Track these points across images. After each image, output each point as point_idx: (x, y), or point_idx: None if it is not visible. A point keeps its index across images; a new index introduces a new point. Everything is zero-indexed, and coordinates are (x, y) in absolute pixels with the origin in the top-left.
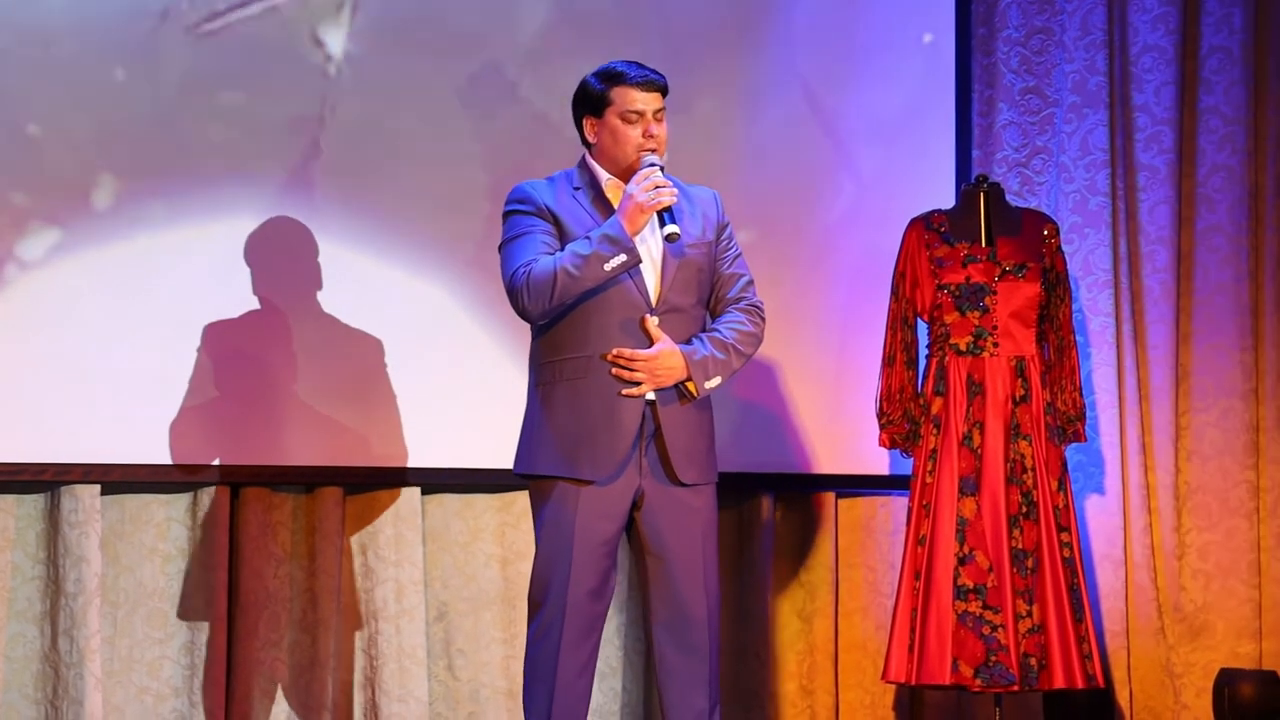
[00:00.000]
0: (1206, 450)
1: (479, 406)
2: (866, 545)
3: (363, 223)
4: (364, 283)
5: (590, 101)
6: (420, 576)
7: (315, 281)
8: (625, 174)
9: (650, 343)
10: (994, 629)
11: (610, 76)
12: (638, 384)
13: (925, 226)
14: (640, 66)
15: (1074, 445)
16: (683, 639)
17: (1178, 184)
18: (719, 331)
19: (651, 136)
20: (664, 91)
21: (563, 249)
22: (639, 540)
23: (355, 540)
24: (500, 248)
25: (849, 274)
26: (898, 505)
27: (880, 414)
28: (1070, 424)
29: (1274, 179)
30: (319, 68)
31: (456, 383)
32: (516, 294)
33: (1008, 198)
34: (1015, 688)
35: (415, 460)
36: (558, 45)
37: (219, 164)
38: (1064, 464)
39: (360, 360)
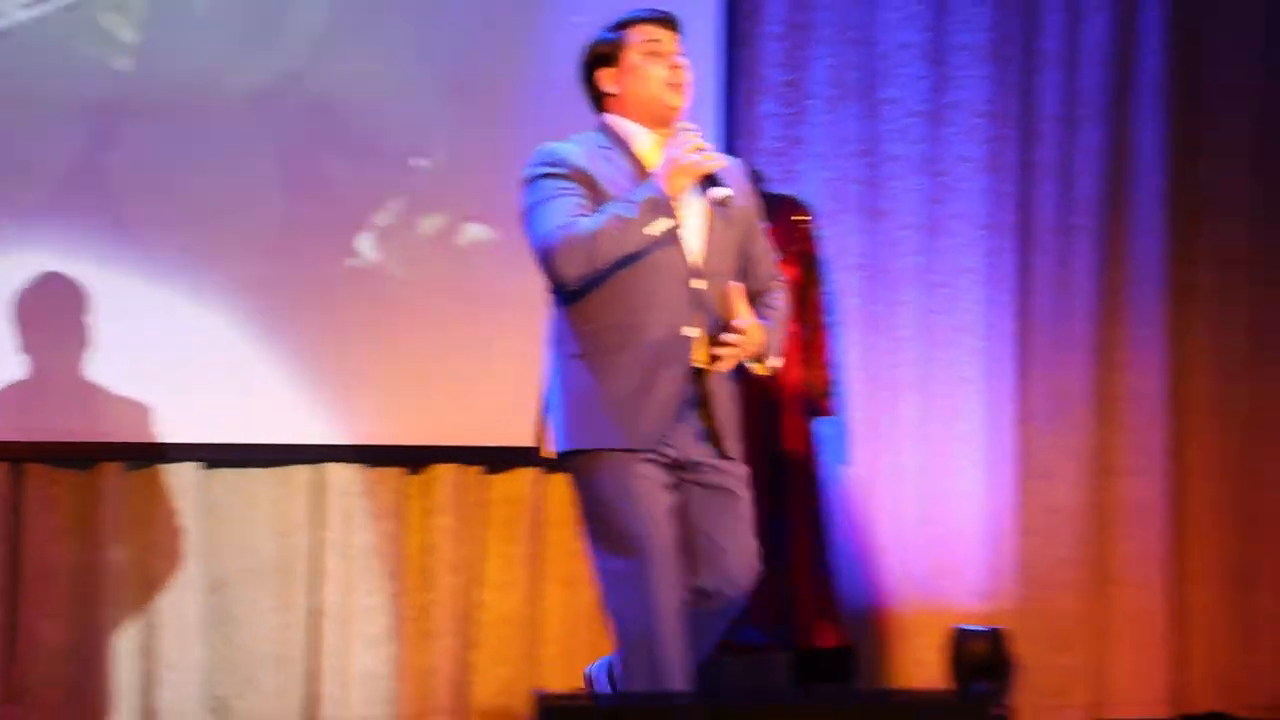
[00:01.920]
0: (947, 423)
1: (257, 381)
2: None
3: (143, 204)
4: (141, 260)
5: (603, 54)
6: (198, 548)
7: (96, 258)
8: (656, 120)
9: (693, 307)
10: None
11: (621, 23)
12: (722, 356)
13: None
14: (650, 8)
15: (824, 419)
16: (723, 610)
17: (925, 173)
18: (773, 309)
19: (678, 68)
20: (678, 29)
21: (598, 212)
22: (683, 509)
23: (136, 514)
24: (527, 213)
25: None
26: None
27: None
28: (820, 399)
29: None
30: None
31: (233, 357)
32: (552, 257)
33: (769, 185)
34: (764, 646)
35: (195, 436)
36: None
37: None
38: (815, 435)
39: (140, 337)
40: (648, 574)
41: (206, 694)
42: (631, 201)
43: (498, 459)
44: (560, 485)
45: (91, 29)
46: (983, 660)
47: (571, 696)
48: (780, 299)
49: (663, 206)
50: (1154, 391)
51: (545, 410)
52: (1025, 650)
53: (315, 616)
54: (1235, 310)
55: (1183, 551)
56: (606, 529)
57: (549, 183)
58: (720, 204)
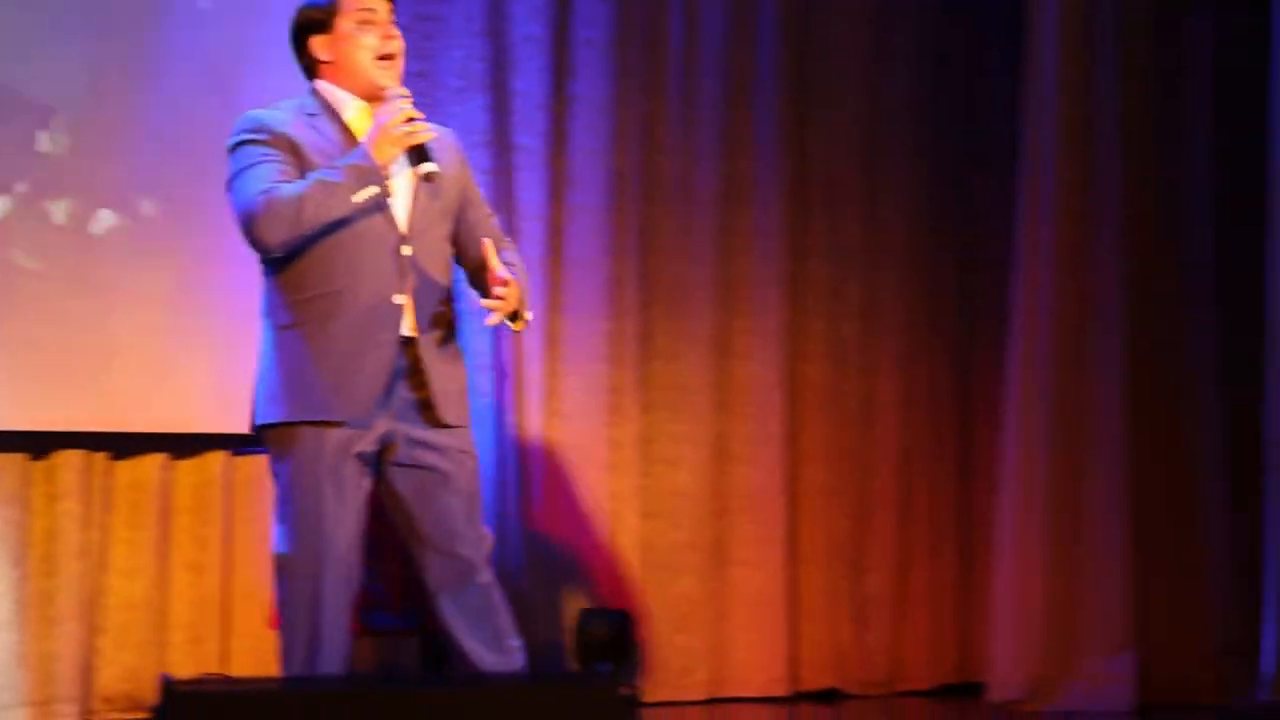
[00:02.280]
0: (572, 409)
1: None
2: (257, 501)
3: None
4: None
5: (315, 21)
6: None
7: None
8: (368, 92)
9: (401, 274)
10: (374, 578)
11: None
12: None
13: None
14: None
15: None
16: (463, 594)
17: (550, 164)
18: (513, 265)
19: (392, 38)
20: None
21: (304, 178)
22: (394, 497)
23: None
24: (230, 181)
25: (241, 247)
26: None
27: None
28: None
29: (634, 162)
30: None
31: None
32: (253, 223)
33: None
34: (394, 630)
35: None
36: None
37: None
38: None
39: None
40: (319, 560)
41: None
42: (337, 168)
43: (124, 446)
44: (188, 472)
45: None
46: (608, 641)
47: (197, 681)
48: (515, 257)
49: (370, 174)
50: (770, 381)
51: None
52: (649, 631)
53: None
54: (847, 302)
55: (796, 535)
56: (288, 509)
57: (251, 149)
58: (426, 178)
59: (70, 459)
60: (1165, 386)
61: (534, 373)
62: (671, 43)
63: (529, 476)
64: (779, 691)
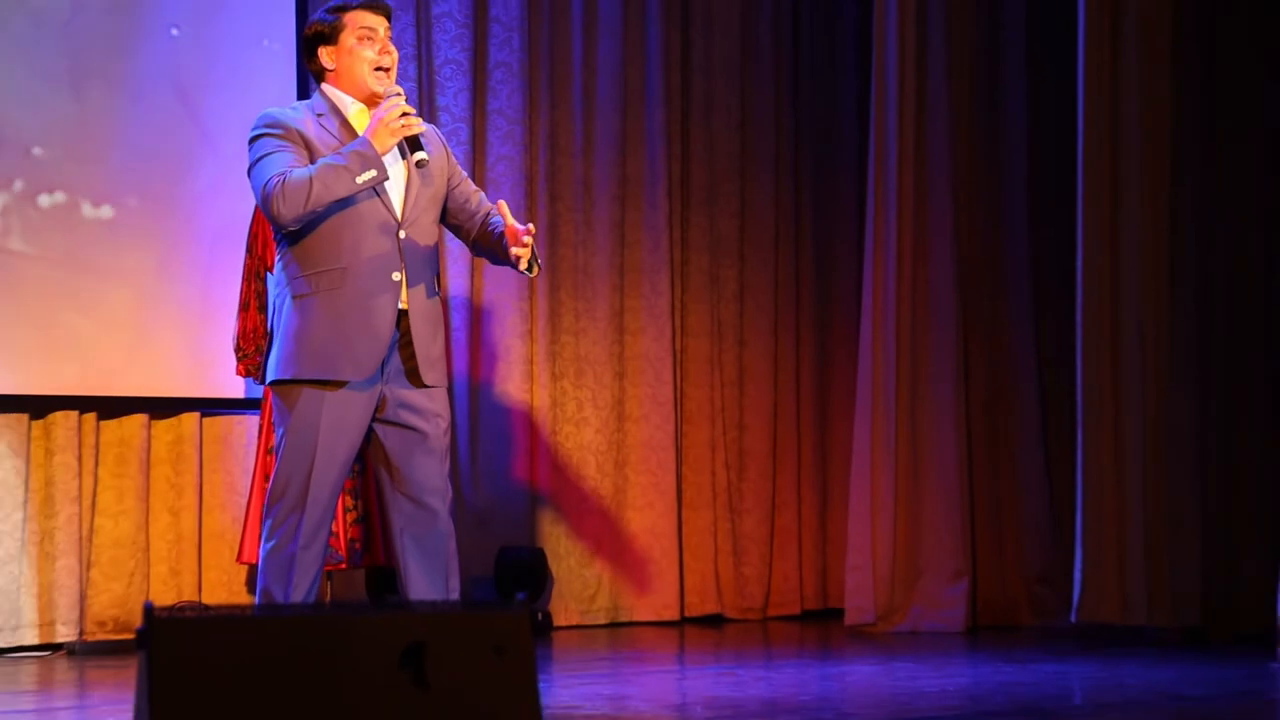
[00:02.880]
0: (497, 381)
1: None
2: (225, 455)
3: None
4: None
5: (323, 34)
6: None
7: None
8: (367, 96)
9: (400, 254)
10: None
11: (339, 7)
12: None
13: None
14: None
15: None
16: (425, 536)
17: (471, 170)
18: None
19: (387, 53)
20: (389, 14)
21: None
22: (381, 450)
23: None
24: (250, 168)
25: (212, 234)
26: (251, 422)
27: (237, 349)
28: None
29: (543, 166)
30: None
31: None
32: (270, 201)
33: None
34: (343, 565)
35: None
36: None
37: None
38: None
39: None
40: (301, 505)
41: None
42: (342, 154)
43: (110, 407)
44: (165, 430)
45: None
46: (524, 573)
47: (176, 608)
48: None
49: (371, 160)
50: (660, 353)
51: (266, 343)
52: (560, 565)
53: None
54: (727, 287)
55: (684, 483)
56: (285, 456)
57: (268, 141)
58: (419, 165)
59: (65, 418)
60: (990, 354)
61: (459, 346)
62: (574, 64)
63: (459, 440)
64: (670, 616)
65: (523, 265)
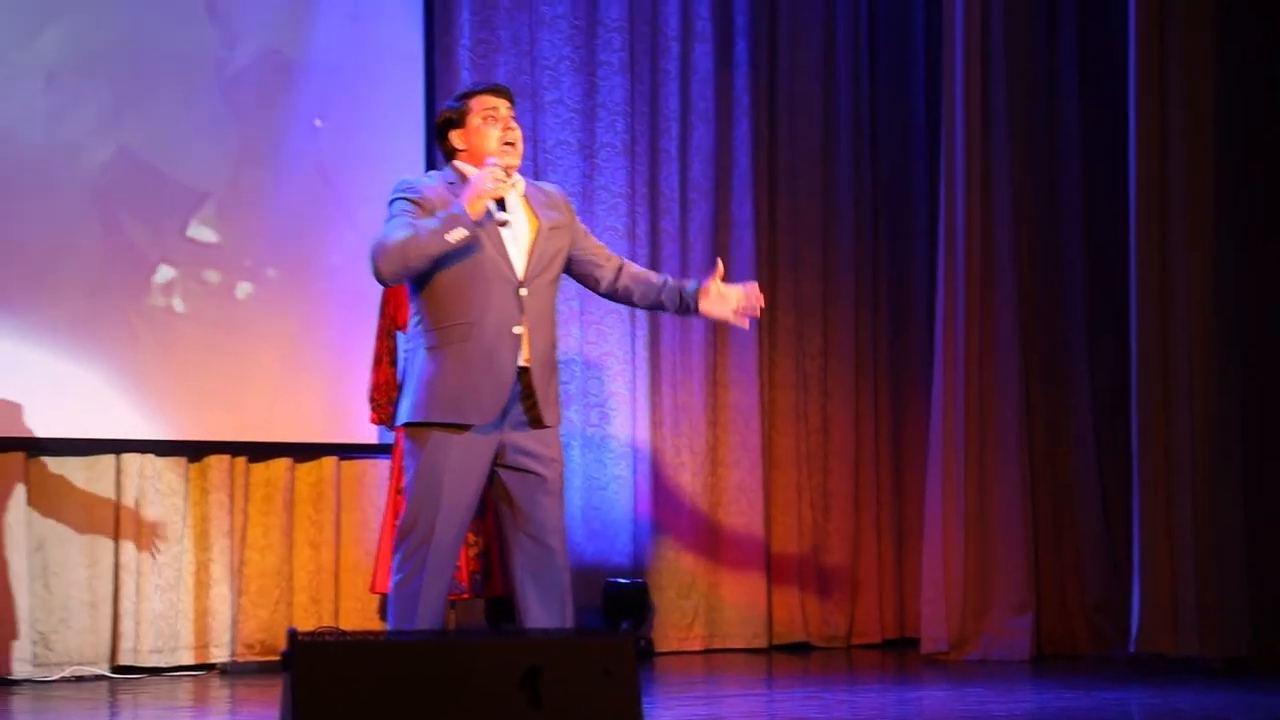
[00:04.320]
0: (603, 429)
1: (74, 389)
2: (360, 495)
3: None
4: None
5: (451, 119)
6: (24, 517)
7: None
8: None
9: (521, 310)
10: None
11: (465, 94)
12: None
13: None
14: (489, 81)
15: None
16: (543, 571)
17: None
18: (666, 279)
19: (510, 129)
20: (510, 98)
21: None
22: (504, 491)
23: None
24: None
25: (349, 298)
26: (383, 466)
27: (371, 400)
28: None
29: (643, 234)
30: None
31: (55, 372)
32: (373, 259)
33: None
34: (465, 595)
35: (20, 430)
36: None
37: None
38: None
39: None
40: (428, 541)
41: (31, 630)
42: (437, 216)
43: (258, 452)
44: (307, 472)
45: None
46: (628, 603)
47: (317, 633)
48: (638, 268)
49: (461, 220)
50: (750, 404)
51: (398, 393)
52: (660, 597)
53: (117, 570)
54: (810, 344)
55: (772, 522)
56: (414, 495)
57: (400, 205)
58: (501, 224)
59: (219, 462)
60: (1050, 402)
61: (573, 396)
62: (672, 147)
63: (570, 481)
64: (760, 644)
65: (744, 323)
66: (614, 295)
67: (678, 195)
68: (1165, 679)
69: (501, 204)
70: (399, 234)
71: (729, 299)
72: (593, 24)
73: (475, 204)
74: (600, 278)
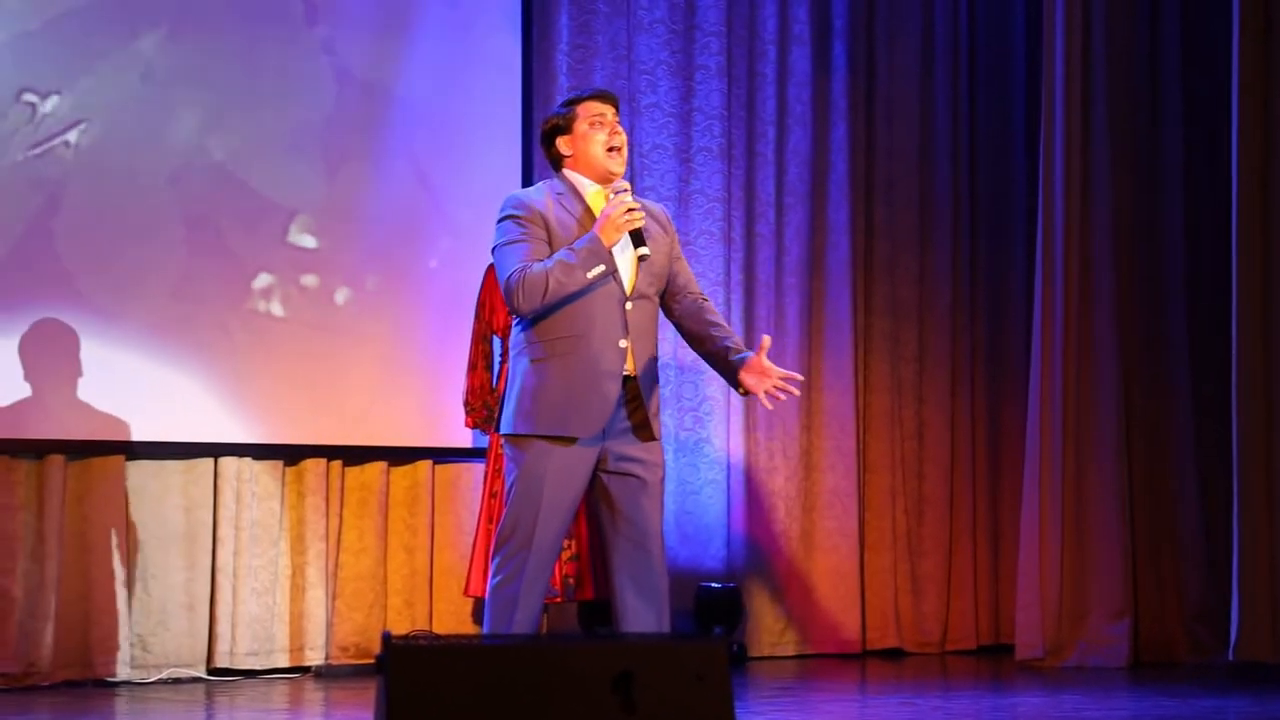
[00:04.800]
0: (697, 434)
1: (172, 394)
2: (454, 499)
3: (89, 261)
4: (80, 304)
5: (559, 125)
6: (123, 521)
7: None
8: (601, 176)
9: (626, 325)
10: None
11: (570, 100)
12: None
13: None
14: (595, 88)
15: None
16: (642, 575)
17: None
18: (723, 327)
19: (617, 134)
20: (616, 103)
21: (550, 249)
22: (606, 495)
23: (74, 494)
24: (495, 248)
25: (444, 303)
26: (478, 469)
27: (466, 405)
28: None
29: (738, 239)
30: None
31: (153, 378)
32: (511, 295)
33: None
34: (559, 599)
35: (119, 434)
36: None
37: None
38: None
39: (86, 365)
40: (527, 546)
41: (130, 633)
42: (574, 250)
43: (353, 455)
44: (402, 476)
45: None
46: (722, 608)
47: (411, 636)
48: (717, 315)
49: (599, 255)
50: (845, 408)
51: (502, 401)
52: (752, 602)
53: (214, 573)
54: (905, 348)
55: (866, 526)
56: (515, 501)
57: (512, 226)
58: (641, 259)
59: (315, 465)
60: (1149, 405)
61: (666, 401)
62: (768, 150)
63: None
64: (853, 649)
65: (742, 391)
66: (677, 328)
67: (773, 200)
68: (1264, 687)
69: (638, 238)
70: (535, 268)
71: (767, 376)
72: (690, 28)
73: (612, 235)
74: (671, 306)
